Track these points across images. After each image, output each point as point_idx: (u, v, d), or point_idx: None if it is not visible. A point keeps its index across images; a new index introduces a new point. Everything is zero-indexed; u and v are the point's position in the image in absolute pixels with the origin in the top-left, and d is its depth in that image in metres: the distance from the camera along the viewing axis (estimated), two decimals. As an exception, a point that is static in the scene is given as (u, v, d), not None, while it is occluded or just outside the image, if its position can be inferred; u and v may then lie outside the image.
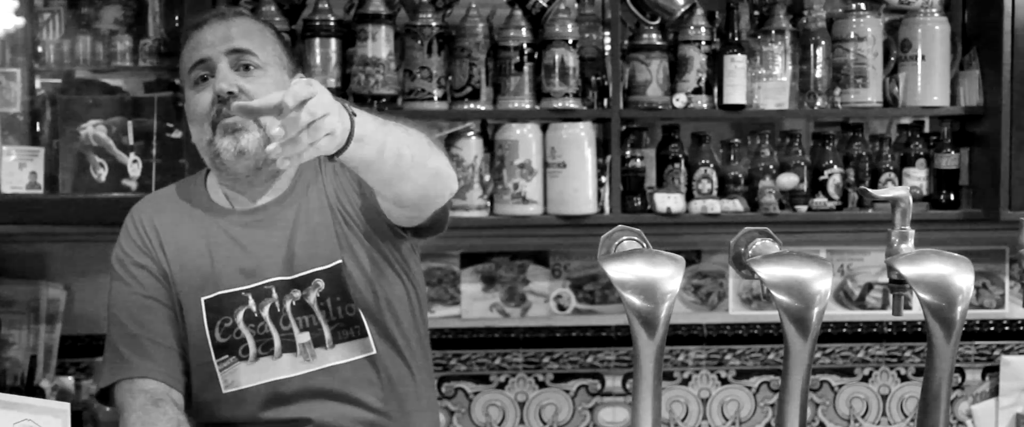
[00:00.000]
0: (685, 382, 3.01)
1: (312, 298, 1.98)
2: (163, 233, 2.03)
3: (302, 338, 1.97)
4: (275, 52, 2.04)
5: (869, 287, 2.63)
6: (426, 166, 1.85)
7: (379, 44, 2.71)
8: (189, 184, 2.12)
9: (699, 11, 2.78)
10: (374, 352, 2.01)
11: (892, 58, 2.85)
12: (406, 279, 2.05)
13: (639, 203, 2.80)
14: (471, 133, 2.79)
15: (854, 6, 2.80)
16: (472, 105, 2.75)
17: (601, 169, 2.78)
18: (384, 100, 2.72)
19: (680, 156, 2.83)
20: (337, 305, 1.99)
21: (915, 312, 1.46)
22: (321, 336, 1.98)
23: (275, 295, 1.98)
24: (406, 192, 1.91)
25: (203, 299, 1.98)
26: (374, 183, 1.86)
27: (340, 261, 1.98)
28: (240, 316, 1.97)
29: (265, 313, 1.98)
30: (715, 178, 2.81)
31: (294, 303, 1.97)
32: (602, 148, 2.80)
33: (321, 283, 1.97)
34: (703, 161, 2.81)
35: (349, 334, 2.00)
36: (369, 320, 2.00)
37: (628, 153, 2.79)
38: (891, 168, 2.86)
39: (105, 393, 2.01)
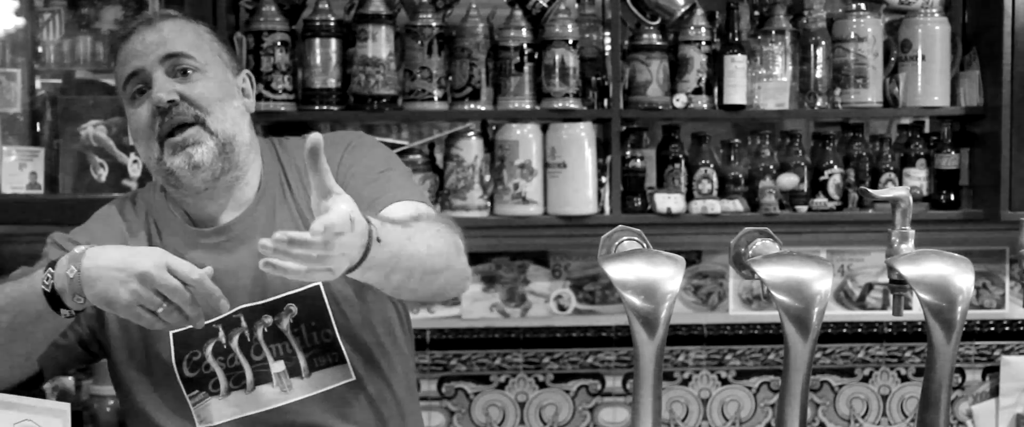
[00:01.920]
0: (685, 382, 3.01)
1: (285, 324, 1.86)
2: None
3: (277, 367, 1.86)
4: (213, 50, 1.91)
5: (869, 287, 2.63)
6: (435, 283, 1.75)
7: (379, 44, 2.71)
8: (148, 195, 1.97)
9: (699, 11, 2.78)
10: (353, 378, 1.90)
11: (892, 58, 2.85)
12: (389, 298, 1.93)
13: (639, 203, 2.80)
14: (471, 133, 2.79)
15: (854, 6, 2.81)
16: (472, 105, 2.75)
17: (601, 169, 2.78)
18: (384, 100, 2.72)
19: (680, 156, 2.83)
20: (312, 331, 1.87)
21: (915, 312, 1.46)
22: (296, 365, 1.87)
23: (244, 324, 1.86)
24: (403, 298, 1.87)
25: (172, 333, 1.85)
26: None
27: (317, 283, 1.85)
28: (209, 349, 1.86)
29: (235, 344, 1.86)
30: (715, 178, 2.81)
31: (266, 330, 1.85)
32: (602, 148, 2.80)
33: (294, 308, 1.86)
34: (703, 161, 2.81)
35: (326, 361, 1.88)
36: (348, 345, 1.88)
37: (628, 153, 2.79)
38: (891, 168, 2.86)
39: None
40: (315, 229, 1.47)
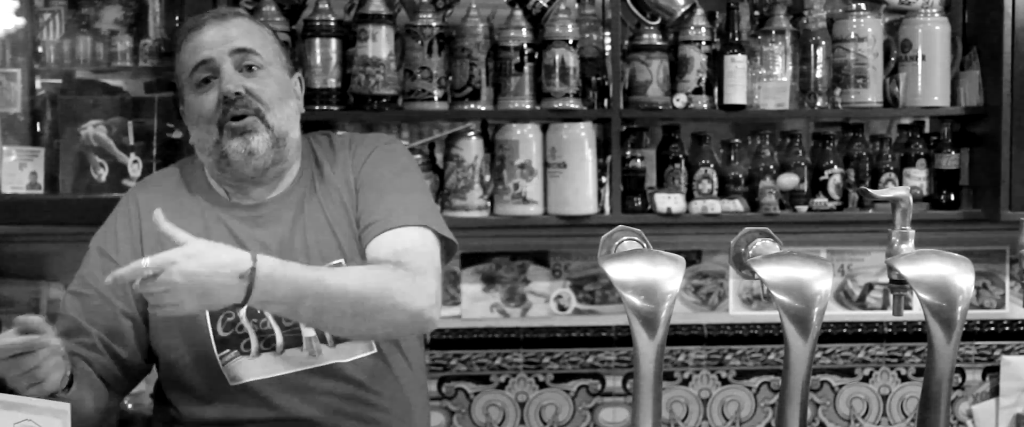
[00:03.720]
0: (685, 382, 3.01)
1: None
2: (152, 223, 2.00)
3: (308, 332, 1.97)
4: (275, 51, 2.05)
5: (869, 287, 2.63)
6: (369, 322, 1.86)
7: (379, 44, 2.71)
8: (190, 168, 2.11)
9: (699, 11, 2.78)
10: (375, 350, 2.02)
11: (892, 58, 2.85)
12: None
13: (639, 203, 2.80)
14: (471, 133, 2.79)
15: (854, 6, 2.80)
16: (472, 105, 2.75)
17: (601, 169, 2.78)
18: (384, 100, 2.72)
19: (680, 156, 2.83)
20: None
21: (915, 312, 1.46)
22: (324, 333, 1.98)
23: None
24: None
25: None
26: None
27: (340, 260, 1.98)
28: (243, 311, 1.95)
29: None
30: (715, 178, 2.81)
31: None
32: (602, 148, 2.79)
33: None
34: (703, 161, 2.81)
35: None
36: None
37: (628, 153, 2.79)
38: (891, 168, 2.86)
39: None
40: (144, 262, 1.71)
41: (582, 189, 2.75)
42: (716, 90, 2.79)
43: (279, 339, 1.97)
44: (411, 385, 2.09)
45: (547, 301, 3.01)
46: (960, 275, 1.39)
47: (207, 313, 1.97)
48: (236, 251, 1.78)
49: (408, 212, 2.00)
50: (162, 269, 1.70)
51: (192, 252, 1.73)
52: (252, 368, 1.97)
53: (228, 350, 1.98)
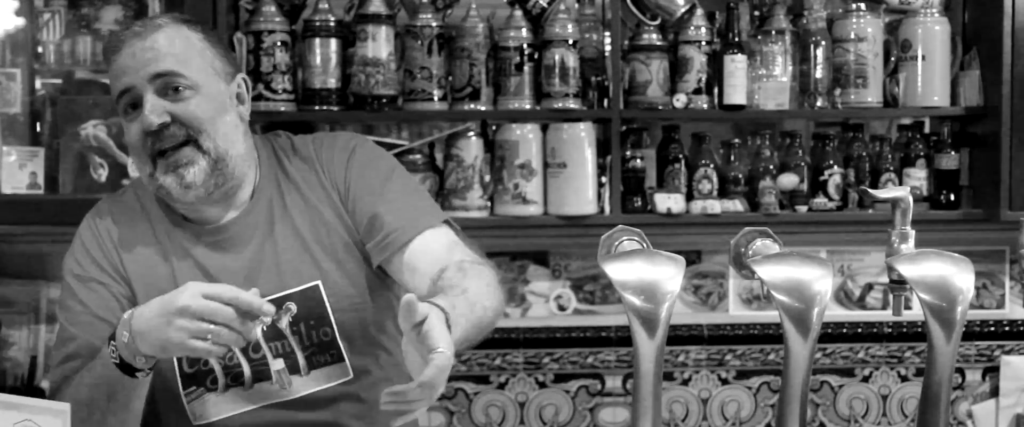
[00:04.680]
0: (685, 382, 3.01)
1: (284, 322, 1.88)
2: (124, 251, 1.91)
3: (276, 365, 1.87)
4: (205, 60, 1.87)
5: (869, 287, 2.63)
6: (487, 331, 1.76)
7: (379, 44, 2.71)
8: (144, 190, 1.96)
9: (699, 11, 2.78)
10: (351, 376, 1.91)
11: (892, 58, 2.85)
12: (393, 294, 1.96)
13: (639, 203, 2.80)
14: (471, 133, 2.79)
15: (854, 6, 2.80)
16: (472, 105, 2.75)
17: (601, 169, 2.78)
18: (384, 100, 2.72)
19: (680, 156, 2.83)
20: (311, 329, 1.88)
21: (915, 312, 1.46)
22: (295, 363, 1.88)
23: None
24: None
25: None
26: None
27: (317, 282, 1.89)
28: None
29: None
30: (715, 178, 2.81)
31: (264, 328, 1.84)
32: (602, 148, 2.79)
33: (293, 306, 1.87)
34: (703, 161, 2.81)
35: (325, 359, 1.90)
36: (347, 343, 1.90)
37: (628, 153, 2.79)
38: (891, 168, 2.86)
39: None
40: (413, 386, 1.45)
41: (582, 189, 2.75)
42: (716, 90, 2.79)
43: (247, 372, 1.87)
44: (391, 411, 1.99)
45: (547, 301, 3.01)
46: (960, 275, 1.39)
47: None
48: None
49: (425, 213, 1.93)
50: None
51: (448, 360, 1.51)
52: (219, 405, 1.88)
53: (194, 387, 1.88)
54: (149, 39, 1.84)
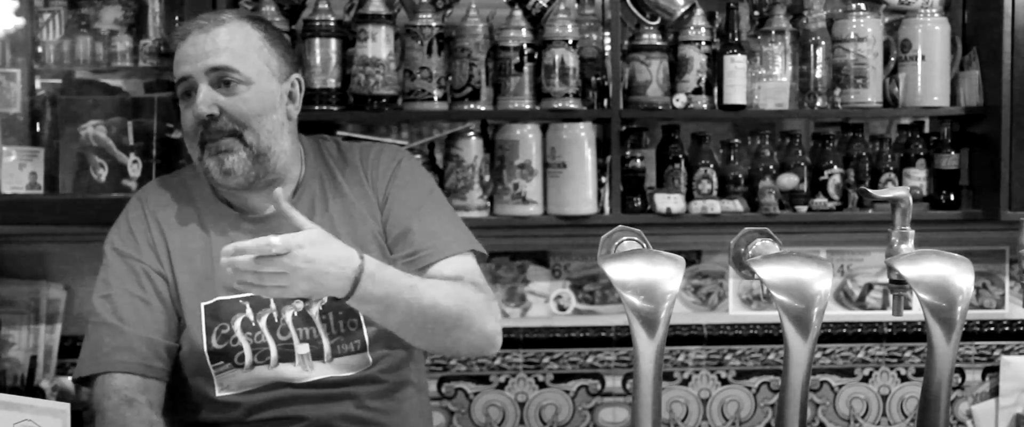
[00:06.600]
0: (685, 382, 3.01)
1: (314, 310, 1.97)
2: (167, 230, 2.01)
3: (301, 349, 1.95)
4: (261, 59, 1.98)
5: (869, 287, 2.63)
6: (446, 338, 1.89)
7: (379, 44, 2.71)
8: (193, 174, 2.08)
9: (699, 11, 2.78)
10: (371, 367, 2.00)
11: (892, 58, 2.84)
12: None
13: (639, 203, 2.80)
14: (471, 133, 2.78)
15: (854, 6, 2.80)
16: (472, 105, 2.75)
17: (601, 169, 2.78)
18: (384, 100, 2.72)
19: (680, 156, 2.83)
20: (339, 319, 1.97)
21: (915, 312, 1.46)
22: (320, 349, 1.96)
23: (273, 306, 1.96)
24: (413, 343, 1.97)
25: (202, 304, 1.96)
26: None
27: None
28: (238, 324, 1.95)
29: (263, 323, 1.96)
30: (715, 178, 2.81)
31: (296, 313, 1.96)
32: (602, 148, 2.79)
33: (325, 296, 1.93)
34: (703, 161, 2.81)
35: (348, 349, 1.98)
36: (372, 335, 1.98)
37: (628, 153, 2.79)
38: (891, 168, 2.86)
39: (84, 378, 1.97)
40: (274, 241, 1.69)
41: (582, 189, 2.75)
42: (716, 90, 2.79)
43: (273, 353, 1.95)
44: (411, 404, 2.07)
45: (547, 301, 3.01)
46: (960, 275, 1.39)
47: (203, 323, 1.95)
48: (346, 246, 1.79)
49: (456, 239, 2.02)
50: (288, 250, 1.69)
51: (316, 239, 1.74)
52: (244, 380, 1.96)
53: (222, 362, 1.96)
54: (211, 32, 1.95)
